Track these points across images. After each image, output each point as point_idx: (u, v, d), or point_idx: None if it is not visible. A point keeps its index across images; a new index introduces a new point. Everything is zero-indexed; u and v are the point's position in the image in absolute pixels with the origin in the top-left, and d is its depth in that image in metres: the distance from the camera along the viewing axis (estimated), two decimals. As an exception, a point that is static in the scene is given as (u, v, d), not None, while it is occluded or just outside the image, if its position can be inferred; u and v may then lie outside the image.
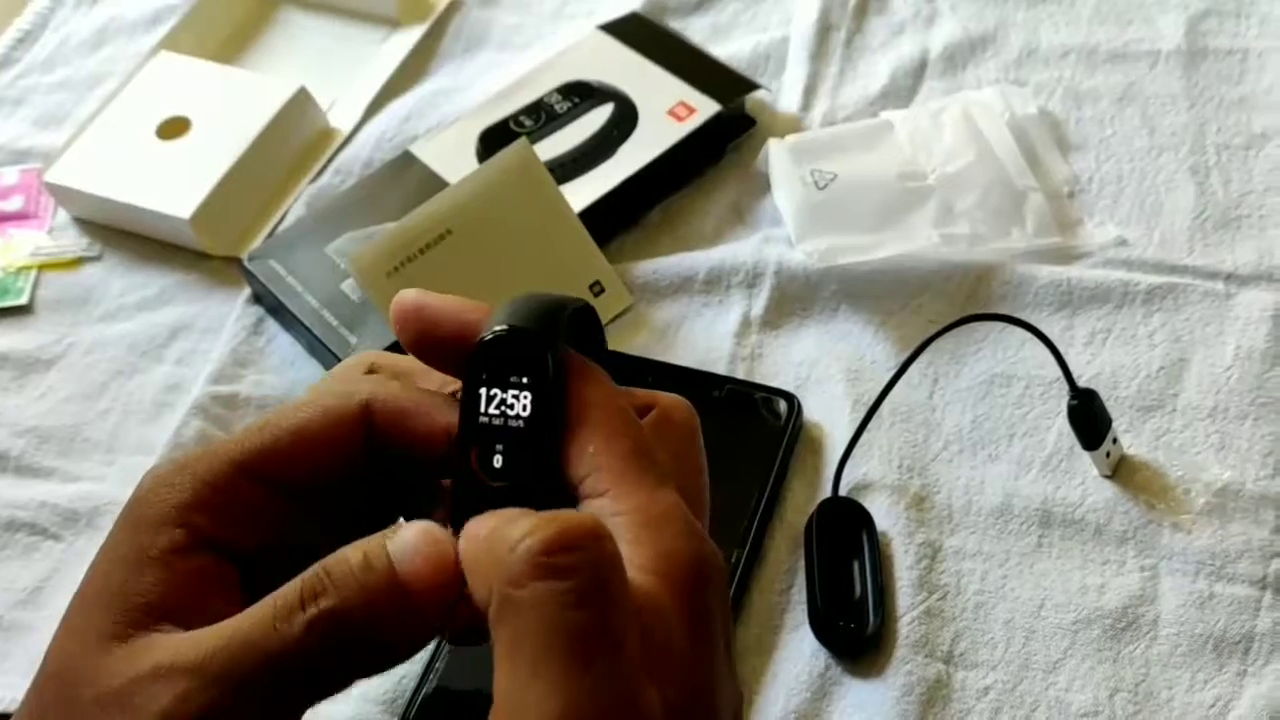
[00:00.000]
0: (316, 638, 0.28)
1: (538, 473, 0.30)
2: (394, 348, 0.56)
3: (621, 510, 0.29)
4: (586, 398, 0.31)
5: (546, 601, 0.26)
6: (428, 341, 0.33)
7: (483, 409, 0.30)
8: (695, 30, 0.74)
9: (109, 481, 0.58)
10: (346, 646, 0.28)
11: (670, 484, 0.30)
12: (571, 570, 0.26)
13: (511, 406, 0.30)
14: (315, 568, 0.29)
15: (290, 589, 0.29)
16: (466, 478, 0.30)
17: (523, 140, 0.59)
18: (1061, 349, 0.57)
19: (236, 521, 0.31)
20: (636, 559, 0.28)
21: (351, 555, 0.29)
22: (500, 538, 0.27)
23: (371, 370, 0.35)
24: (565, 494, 0.30)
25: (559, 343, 0.31)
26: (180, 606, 0.30)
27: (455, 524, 0.30)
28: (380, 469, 0.33)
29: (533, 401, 0.30)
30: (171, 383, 0.61)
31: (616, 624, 0.26)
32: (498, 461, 0.30)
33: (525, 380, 0.30)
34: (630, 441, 0.30)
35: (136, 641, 0.29)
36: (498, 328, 0.31)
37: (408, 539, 0.29)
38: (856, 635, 0.49)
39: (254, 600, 0.30)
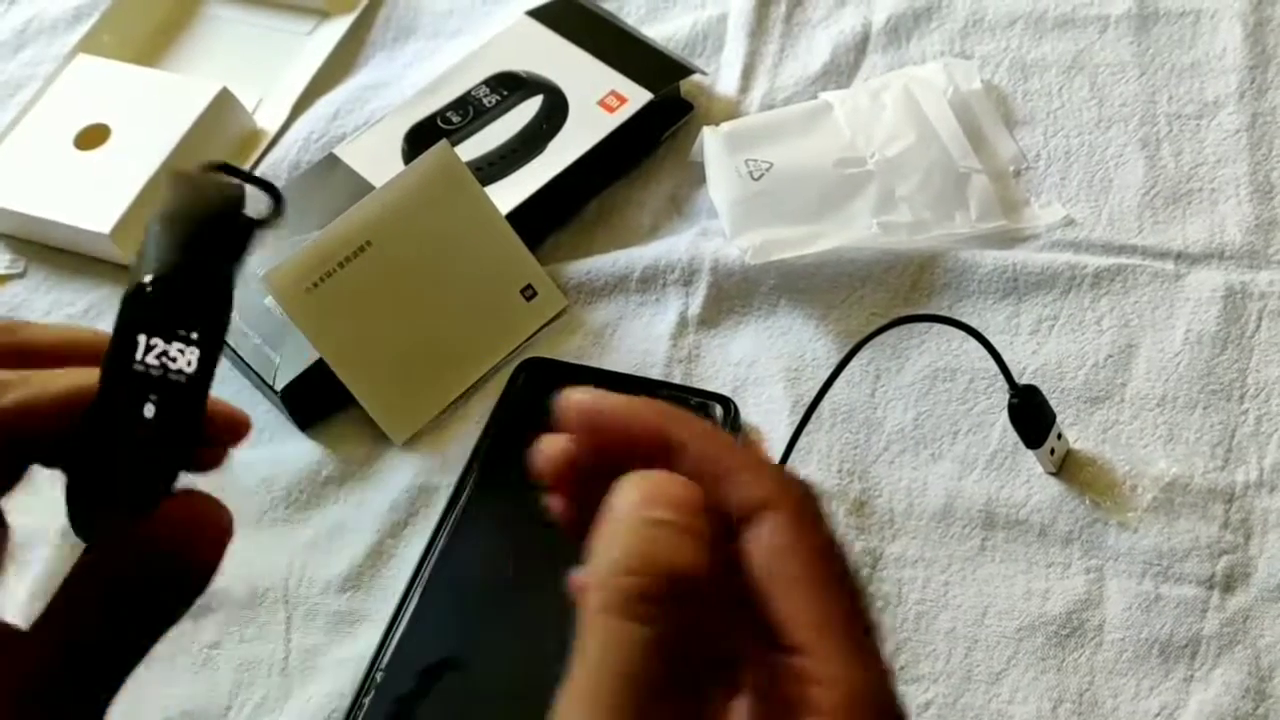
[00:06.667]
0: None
1: (190, 426, 0.28)
2: (316, 369, 0.55)
3: (823, 682, 0.25)
4: (780, 541, 0.26)
5: (618, 644, 0.25)
6: (602, 448, 0.28)
7: (139, 357, 0.27)
8: (632, 8, 0.72)
9: (35, 514, 0.56)
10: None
11: (880, 654, 0.27)
12: (658, 620, 0.25)
13: (174, 360, 0.28)
14: None
15: None
16: (104, 425, 0.28)
17: (443, 143, 0.57)
18: (1007, 339, 0.56)
19: None
20: None
21: None
22: (601, 551, 0.26)
23: None
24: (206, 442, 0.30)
25: (232, 289, 0.28)
26: None
27: (85, 468, 0.28)
28: None
29: (200, 360, 0.28)
30: (98, 405, 0.60)
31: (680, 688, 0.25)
32: (149, 411, 0.28)
33: (195, 336, 0.28)
34: (845, 604, 0.26)
35: None
36: (164, 268, 0.28)
37: None
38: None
39: None
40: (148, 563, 0.29)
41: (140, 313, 0.27)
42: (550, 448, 0.29)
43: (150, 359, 0.27)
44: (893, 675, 0.26)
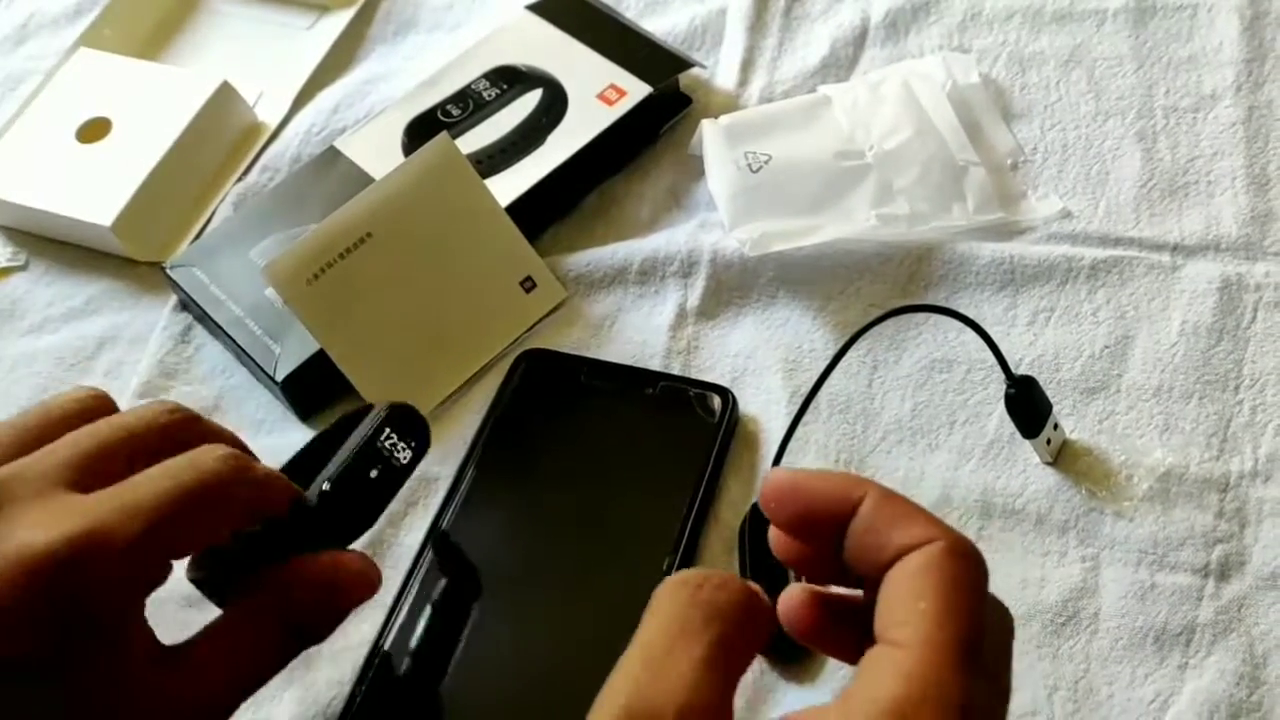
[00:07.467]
0: None
1: (385, 501, 0.44)
2: (316, 360, 0.55)
3: (905, 674, 0.28)
4: (927, 562, 0.30)
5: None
6: (803, 522, 0.33)
7: (381, 439, 0.44)
8: (631, 2, 0.72)
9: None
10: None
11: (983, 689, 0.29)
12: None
13: (399, 451, 0.44)
14: None
15: None
16: (347, 472, 0.43)
17: (443, 134, 0.58)
18: (1004, 330, 0.56)
19: None
20: None
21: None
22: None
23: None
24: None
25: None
26: None
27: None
28: None
29: (411, 460, 0.45)
30: (99, 397, 0.60)
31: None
32: (374, 473, 0.43)
33: (413, 445, 0.45)
34: (965, 624, 0.29)
35: None
36: (407, 403, 0.46)
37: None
38: (791, 640, 0.48)
39: None
40: (316, 594, 0.41)
41: (391, 417, 0.44)
42: (775, 540, 0.35)
43: (386, 443, 0.44)
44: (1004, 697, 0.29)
